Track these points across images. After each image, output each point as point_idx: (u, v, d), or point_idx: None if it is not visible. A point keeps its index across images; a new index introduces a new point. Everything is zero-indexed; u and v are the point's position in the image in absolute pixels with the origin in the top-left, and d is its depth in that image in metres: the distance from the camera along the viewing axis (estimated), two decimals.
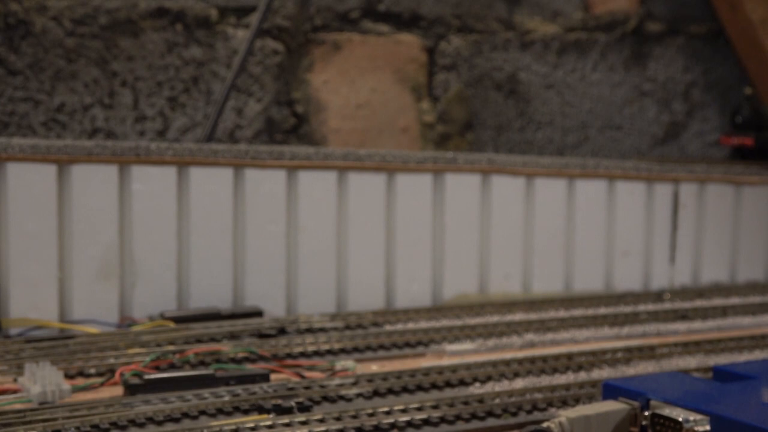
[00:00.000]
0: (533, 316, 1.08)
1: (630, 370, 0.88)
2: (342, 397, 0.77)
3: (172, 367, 0.85)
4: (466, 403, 0.75)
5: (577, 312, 1.10)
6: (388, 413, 0.71)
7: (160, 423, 0.70)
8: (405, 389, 0.80)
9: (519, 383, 0.82)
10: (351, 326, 1.02)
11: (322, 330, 1.00)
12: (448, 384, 0.82)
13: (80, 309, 1.04)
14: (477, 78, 1.43)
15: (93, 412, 0.71)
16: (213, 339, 0.95)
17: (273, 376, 0.82)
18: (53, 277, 1.04)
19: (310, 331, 1.00)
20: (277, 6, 1.34)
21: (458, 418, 0.72)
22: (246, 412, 0.72)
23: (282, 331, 0.99)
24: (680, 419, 0.61)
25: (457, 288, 1.20)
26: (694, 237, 1.34)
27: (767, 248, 1.39)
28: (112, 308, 1.06)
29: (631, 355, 0.91)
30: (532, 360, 0.87)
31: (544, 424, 0.62)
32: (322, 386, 0.78)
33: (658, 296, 1.20)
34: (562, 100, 1.46)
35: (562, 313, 1.10)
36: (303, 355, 0.91)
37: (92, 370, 0.84)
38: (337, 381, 0.80)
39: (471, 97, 1.43)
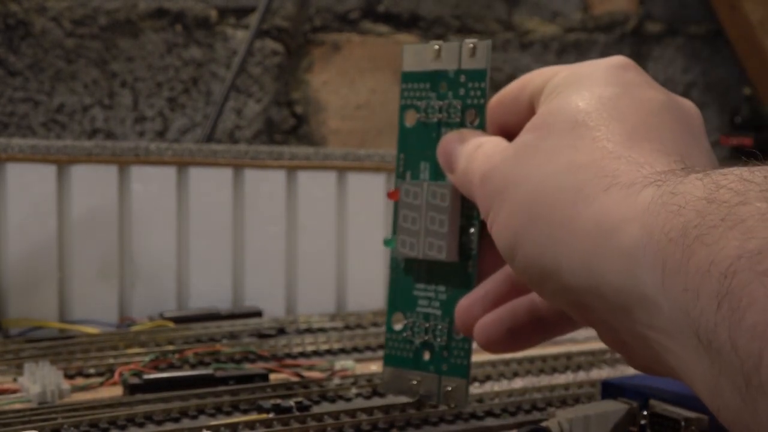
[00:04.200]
0: None
1: (629, 370, 0.88)
2: (341, 397, 0.77)
3: (172, 366, 0.85)
4: None
5: None
6: (386, 412, 0.71)
7: (159, 422, 0.70)
8: None
9: (518, 383, 0.82)
10: (350, 326, 1.02)
11: (322, 330, 1.00)
12: None
13: (80, 309, 1.05)
14: None
15: (92, 412, 0.71)
16: (212, 339, 0.95)
17: (272, 376, 0.82)
18: (53, 277, 1.04)
19: (309, 331, 1.00)
20: (276, 7, 1.34)
21: (457, 417, 0.72)
22: (245, 411, 0.72)
23: (281, 331, 0.99)
24: (679, 419, 0.61)
25: None
26: None
27: None
28: (111, 308, 1.06)
29: None
30: (531, 360, 0.87)
31: (543, 424, 0.63)
32: (321, 386, 0.78)
33: None
34: None
35: None
36: (302, 355, 0.91)
37: (92, 370, 0.84)
38: (336, 381, 0.80)
39: None
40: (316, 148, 1.17)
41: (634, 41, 1.52)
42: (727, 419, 0.40)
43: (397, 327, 0.69)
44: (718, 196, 0.40)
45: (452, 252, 0.65)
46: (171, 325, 0.99)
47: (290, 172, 1.13)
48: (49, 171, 1.04)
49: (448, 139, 0.63)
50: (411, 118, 0.68)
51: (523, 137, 0.54)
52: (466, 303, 0.62)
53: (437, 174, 0.66)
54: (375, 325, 1.03)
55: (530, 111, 0.58)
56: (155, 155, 1.07)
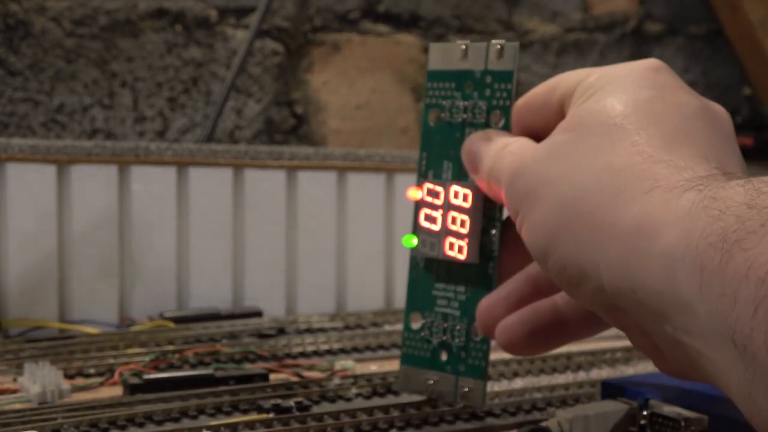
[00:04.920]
0: None
1: (629, 370, 0.88)
2: (341, 397, 0.77)
3: (172, 366, 0.85)
4: None
5: None
6: (386, 412, 0.71)
7: (159, 422, 0.70)
8: None
9: (518, 383, 0.82)
10: (350, 326, 1.02)
11: (322, 330, 1.00)
12: None
13: (80, 309, 1.05)
14: None
15: (92, 412, 0.71)
16: (212, 339, 0.95)
17: (272, 376, 0.82)
18: (53, 277, 1.04)
19: (309, 331, 1.00)
20: (276, 7, 1.34)
21: (457, 417, 0.72)
22: (245, 411, 0.73)
23: (281, 331, 0.99)
24: (679, 419, 0.61)
25: None
26: None
27: None
28: (111, 308, 1.06)
29: (631, 354, 0.91)
30: (531, 360, 0.87)
31: (543, 424, 0.63)
32: (321, 386, 0.78)
33: None
34: None
35: None
36: (302, 355, 0.91)
37: (92, 370, 0.84)
38: (336, 381, 0.80)
39: None
40: (316, 148, 1.17)
41: (634, 41, 1.52)
42: (760, 425, 0.40)
43: (415, 326, 0.69)
44: (758, 201, 0.40)
45: (473, 253, 0.65)
46: (171, 325, 0.99)
47: (290, 172, 1.13)
48: (49, 171, 1.04)
49: (474, 139, 0.63)
50: (435, 117, 0.68)
51: (557, 137, 0.54)
52: (487, 304, 0.62)
53: (460, 174, 0.66)
54: (375, 325, 1.03)
55: (560, 113, 0.58)
56: (155, 155, 1.07)
